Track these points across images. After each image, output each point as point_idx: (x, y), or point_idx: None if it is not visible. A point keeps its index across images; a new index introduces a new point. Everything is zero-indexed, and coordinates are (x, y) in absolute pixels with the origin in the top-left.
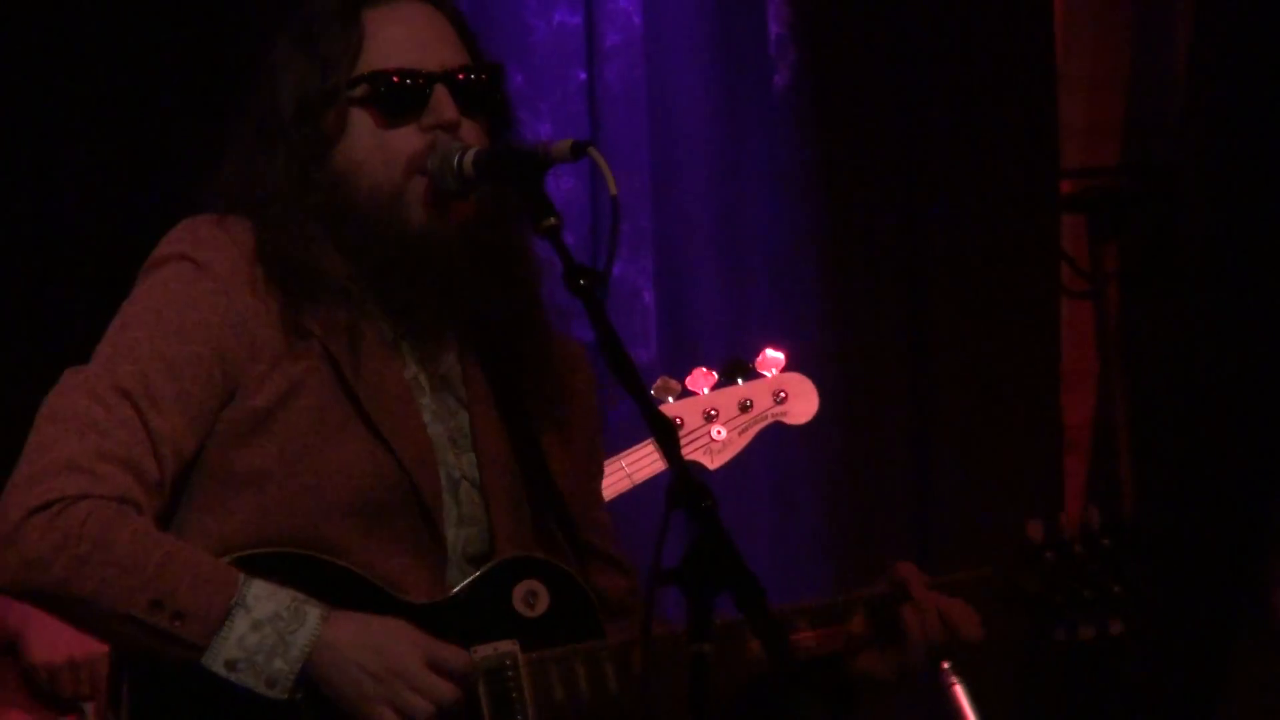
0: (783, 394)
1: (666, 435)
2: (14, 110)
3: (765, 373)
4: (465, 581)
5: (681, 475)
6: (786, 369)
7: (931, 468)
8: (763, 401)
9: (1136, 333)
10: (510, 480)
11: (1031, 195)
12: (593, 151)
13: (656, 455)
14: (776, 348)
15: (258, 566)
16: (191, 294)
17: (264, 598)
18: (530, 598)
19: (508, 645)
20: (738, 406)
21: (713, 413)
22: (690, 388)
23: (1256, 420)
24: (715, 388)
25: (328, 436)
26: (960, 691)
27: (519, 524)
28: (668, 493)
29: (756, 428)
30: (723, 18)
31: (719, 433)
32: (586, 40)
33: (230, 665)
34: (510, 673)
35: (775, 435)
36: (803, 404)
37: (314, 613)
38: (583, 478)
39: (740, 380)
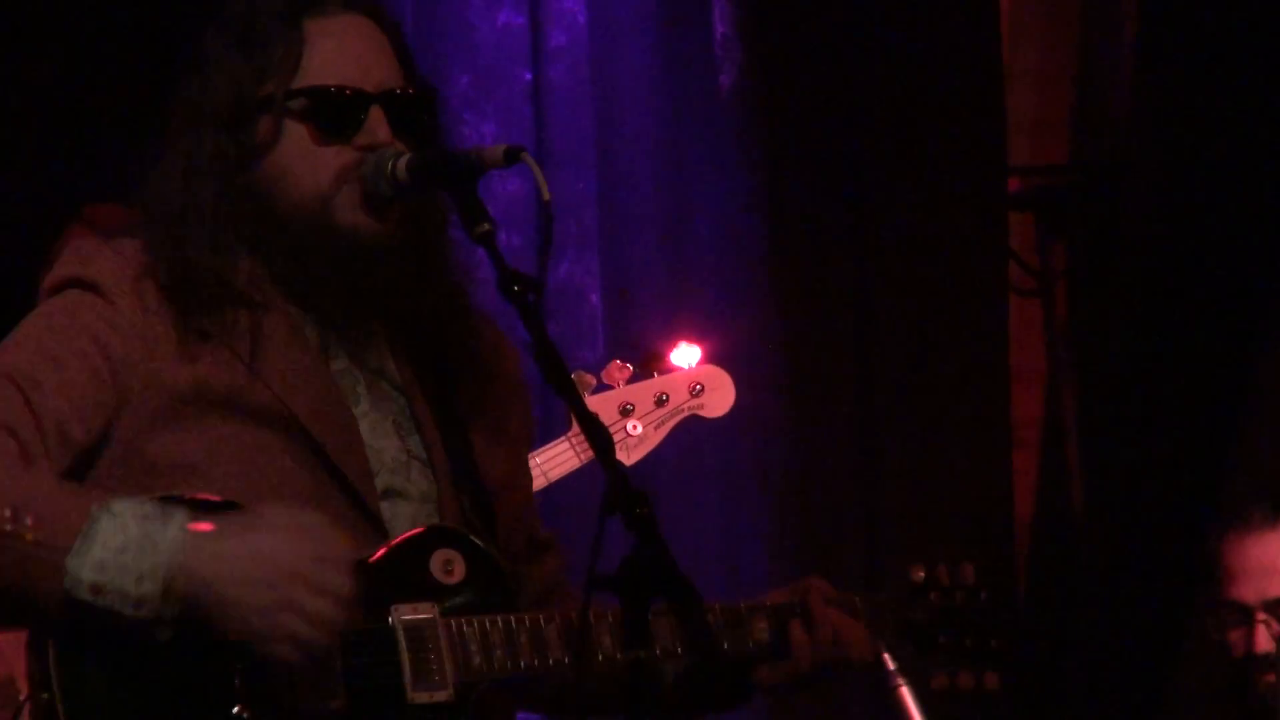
0: (699, 387)
1: (602, 441)
2: None
3: (681, 365)
4: (384, 547)
5: (618, 482)
6: (706, 362)
7: (880, 465)
8: (679, 395)
9: (1085, 330)
10: (450, 463)
11: (979, 192)
12: (525, 157)
13: (571, 453)
14: (693, 341)
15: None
16: (79, 306)
17: (130, 503)
18: (447, 565)
19: (426, 606)
20: (654, 400)
21: (628, 407)
22: (605, 381)
23: (1203, 417)
24: (630, 381)
25: (245, 425)
26: (907, 694)
27: (462, 504)
28: (604, 499)
29: (673, 421)
30: (668, 18)
31: (635, 427)
32: (532, 40)
33: (96, 589)
34: (429, 632)
35: (723, 434)
36: (719, 397)
37: (182, 509)
38: (514, 466)
39: (656, 374)
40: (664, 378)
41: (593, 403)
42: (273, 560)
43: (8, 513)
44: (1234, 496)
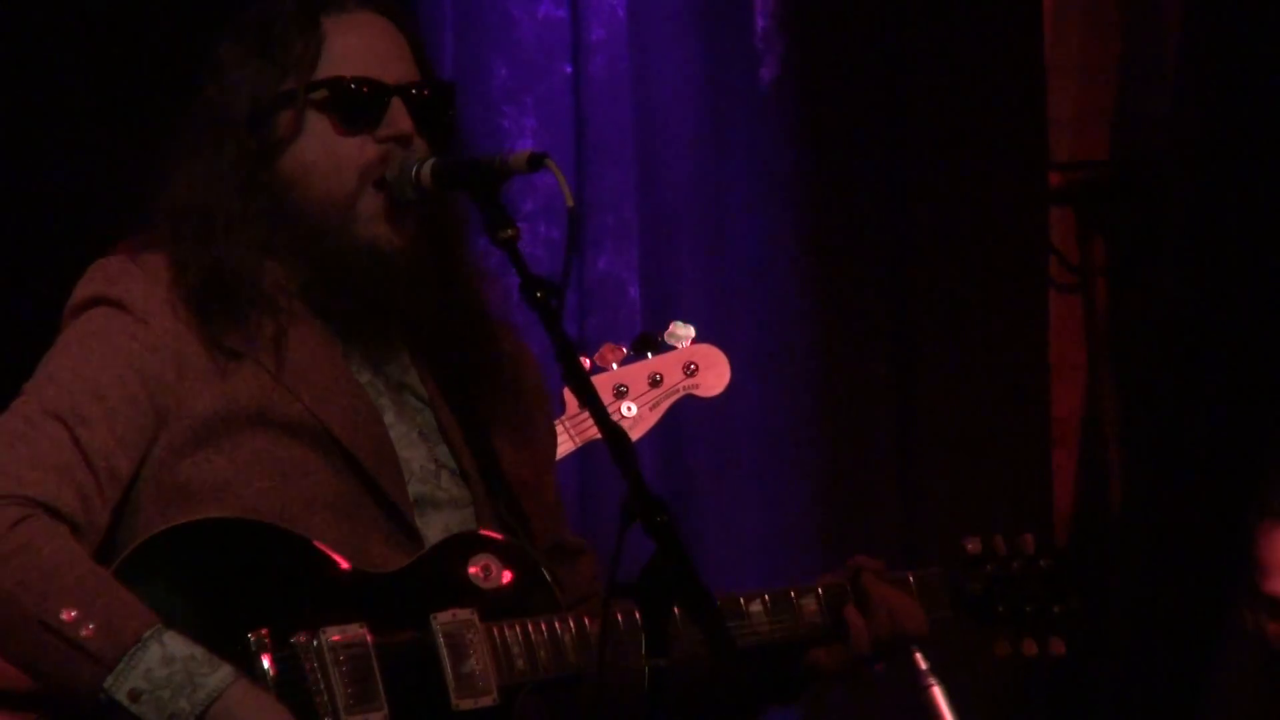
0: (693, 366)
1: (624, 449)
2: None
3: (675, 345)
4: (420, 554)
5: (639, 490)
6: (698, 340)
7: (918, 461)
8: (673, 375)
9: (1125, 325)
10: (480, 468)
11: (1020, 188)
12: (549, 163)
13: (565, 437)
14: (687, 321)
15: (215, 531)
16: (110, 328)
17: (181, 641)
18: (485, 571)
19: (466, 612)
20: (648, 381)
21: (622, 389)
22: (599, 364)
23: (1244, 413)
24: (624, 363)
25: (277, 440)
26: (939, 694)
27: (496, 510)
28: (624, 507)
29: (668, 402)
30: (709, 11)
31: (629, 409)
32: (572, 34)
33: (134, 695)
34: (471, 638)
35: (761, 430)
36: (714, 375)
37: (228, 666)
38: (539, 471)
39: (650, 354)
40: (658, 358)
41: None
42: None
43: (73, 614)
44: (1272, 490)
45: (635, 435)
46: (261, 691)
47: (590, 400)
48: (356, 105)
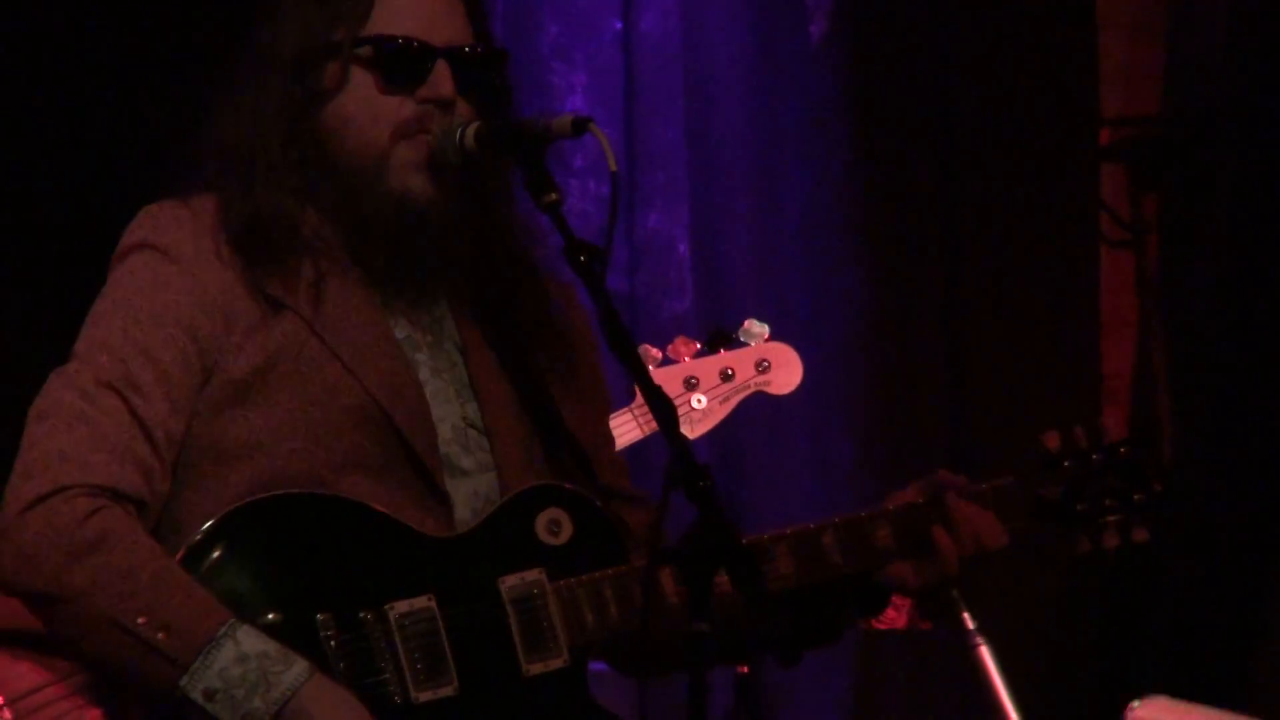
0: (765, 363)
1: (667, 413)
2: None
3: (748, 342)
4: (488, 513)
5: (681, 455)
6: (772, 339)
7: (969, 419)
8: (745, 371)
9: (1176, 281)
10: (516, 424)
11: (1071, 144)
12: (593, 127)
13: (634, 424)
14: (761, 319)
15: (264, 513)
16: (157, 279)
17: (254, 636)
18: (553, 526)
19: (534, 574)
20: (719, 375)
21: (693, 381)
22: (671, 356)
23: None
24: (696, 356)
25: (314, 399)
26: (986, 654)
27: (528, 464)
28: (666, 472)
29: (738, 397)
30: None
31: (699, 401)
32: None
33: (209, 694)
34: (539, 600)
35: (812, 387)
36: (786, 374)
37: (302, 662)
38: (591, 417)
39: (723, 350)
40: (730, 353)
41: (657, 376)
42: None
43: (141, 620)
44: None
45: (703, 429)
46: (337, 687)
47: (630, 361)
48: (400, 65)
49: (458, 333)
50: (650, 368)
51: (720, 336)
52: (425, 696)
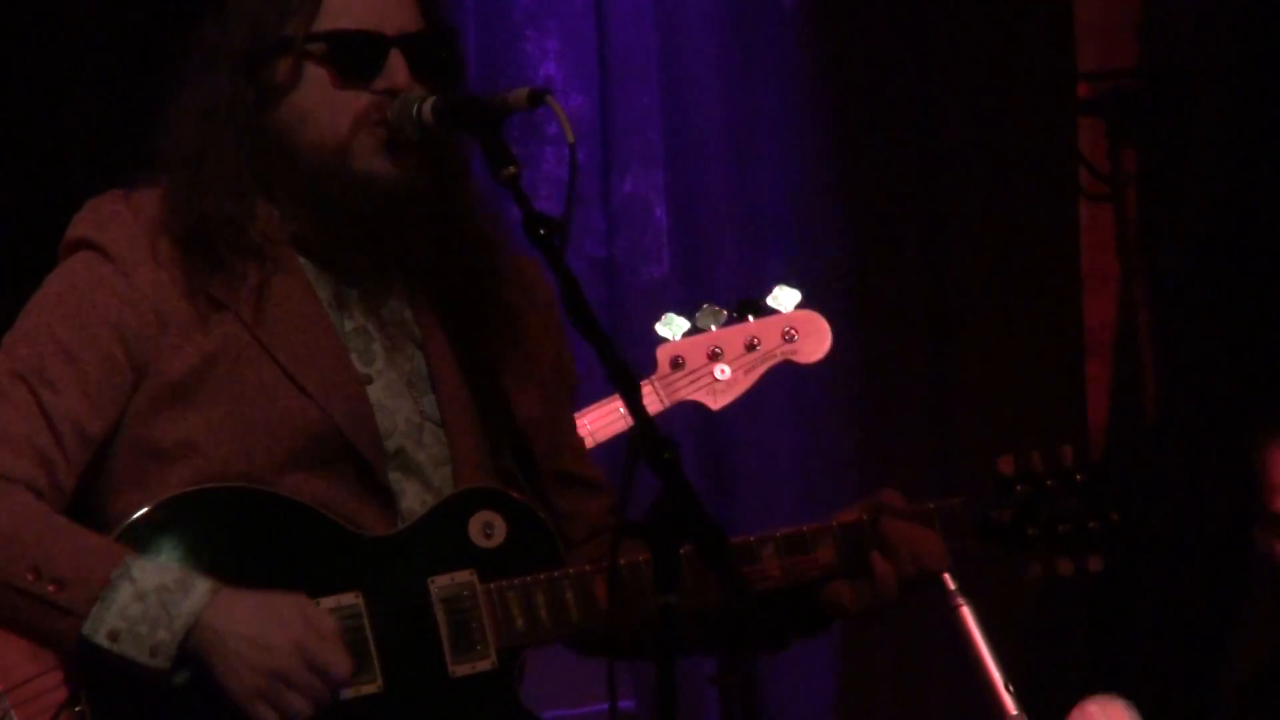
0: (793, 332)
1: (627, 385)
2: None
3: (777, 309)
4: (420, 514)
5: (644, 426)
6: (802, 305)
7: (952, 372)
8: (771, 340)
9: (1156, 234)
10: (470, 418)
11: (1048, 98)
12: (550, 100)
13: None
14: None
15: (201, 503)
16: (91, 279)
17: (150, 570)
18: (487, 529)
19: (465, 575)
20: (744, 345)
21: (718, 351)
22: (699, 325)
23: (1277, 320)
24: (723, 325)
25: (251, 400)
26: (968, 614)
27: (481, 461)
28: (629, 444)
29: (763, 367)
30: None
31: (722, 371)
32: None
33: (113, 635)
34: (469, 601)
35: None
36: (813, 343)
37: (202, 585)
38: (549, 405)
39: (751, 317)
40: (758, 322)
41: (681, 346)
42: (266, 653)
43: (30, 577)
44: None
45: (727, 399)
46: (246, 596)
47: (592, 335)
48: (354, 58)
49: (415, 325)
50: (678, 338)
51: (748, 304)
52: (348, 693)
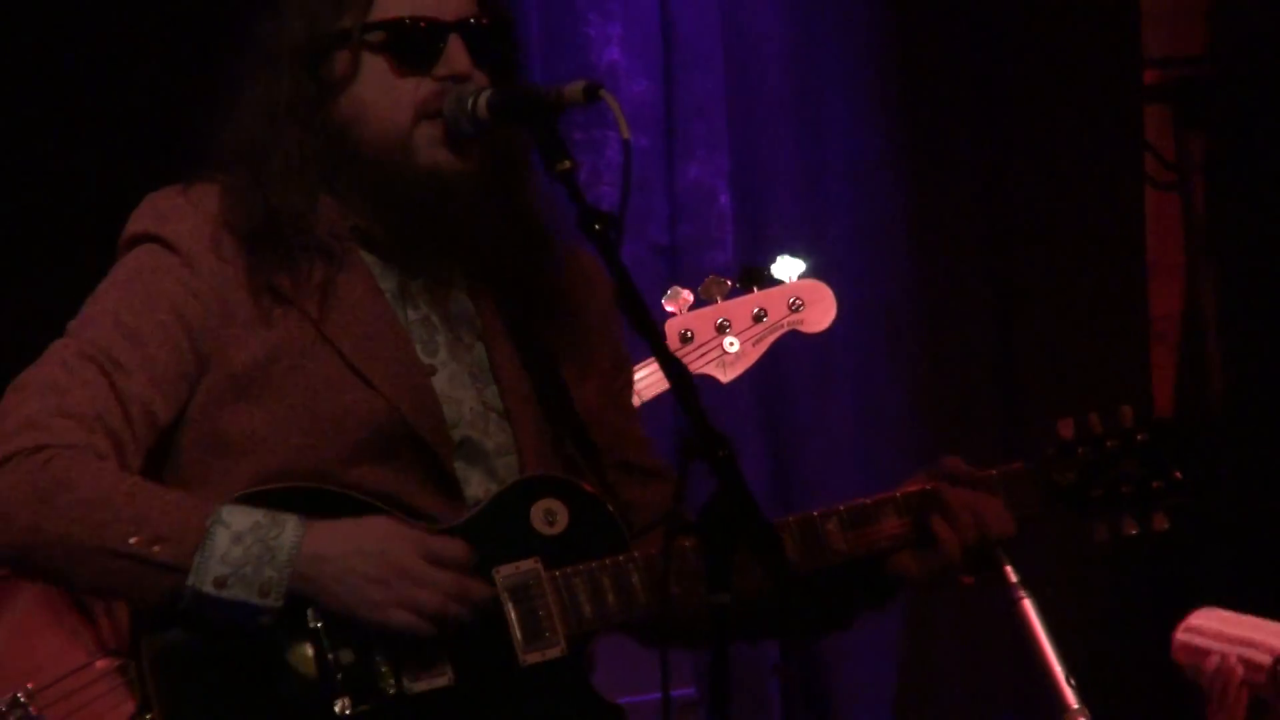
0: (799, 301)
1: (683, 382)
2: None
3: (781, 280)
4: (481, 504)
5: (699, 425)
6: (807, 275)
7: (1018, 362)
8: (778, 310)
9: (1223, 222)
10: (532, 409)
11: (1114, 85)
12: (605, 94)
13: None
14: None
15: (268, 503)
16: (155, 268)
17: (240, 513)
18: (549, 516)
19: (529, 563)
20: (751, 316)
21: (725, 323)
22: (704, 297)
23: None
24: (729, 296)
25: (317, 393)
26: (1029, 606)
27: (546, 450)
28: (685, 443)
29: (772, 337)
30: None
31: (731, 344)
32: None
33: (220, 582)
34: (535, 590)
35: (859, 332)
36: (819, 311)
37: (292, 519)
38: (608, 396)
39: (756, 288)
40: (763, 293)
41: (689, 320)
42: (380, 558)
43: (134, 540)
44: None
45: (737, 371)
46: (335, 524)
47: (647, 332)
48: (413, 46)
49: (477, 316)
50: (683, 310)
51: (753, 274)
52: (420, 687)
